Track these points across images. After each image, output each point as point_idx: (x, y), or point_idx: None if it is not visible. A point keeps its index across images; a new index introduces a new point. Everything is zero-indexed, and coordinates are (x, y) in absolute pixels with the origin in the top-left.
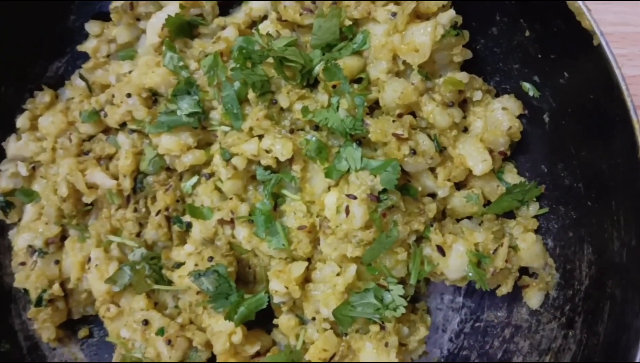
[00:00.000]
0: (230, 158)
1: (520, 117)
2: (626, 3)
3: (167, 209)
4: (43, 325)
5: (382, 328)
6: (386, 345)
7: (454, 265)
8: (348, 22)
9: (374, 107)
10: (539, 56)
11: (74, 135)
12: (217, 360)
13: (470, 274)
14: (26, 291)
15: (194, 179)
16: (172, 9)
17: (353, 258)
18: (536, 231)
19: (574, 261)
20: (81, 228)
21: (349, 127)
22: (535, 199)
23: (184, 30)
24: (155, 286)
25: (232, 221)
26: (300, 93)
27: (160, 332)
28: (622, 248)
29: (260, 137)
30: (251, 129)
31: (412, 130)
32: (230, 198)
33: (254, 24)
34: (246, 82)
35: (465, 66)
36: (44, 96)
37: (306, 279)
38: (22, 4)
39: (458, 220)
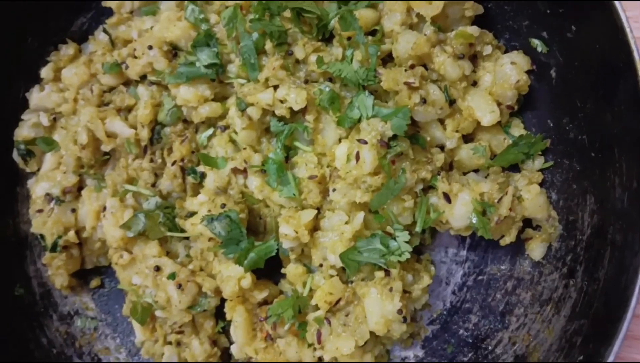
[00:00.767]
0: (246, 108)
1: (528, 73)
2: None
3: (182, 160)
4: (57, 271)
5: (387, 274)
6: (390, 290)
7: (459, 212)
8: None
9: (386, 60)
10: (548, 11)
11: (95, 86)
12: (226, 305)
13: (474, 221)
14: (42, 236)
15: (210, 131)
16: None
17: (361, 206)
18: (540, 185)
19: (576, 213)
20: (98, 178)
21: (361, 78)
22: (540, 153)
23: None
24: (169, 233)
25: (244, 171)
26: (315, 45)
27: (172, 276)
28: (624, 193)
29: (276, 88)
30: (267, 79)
31: (423, 81)
32: (244, 148)
33: None
34: (264, 33)
35: (475, 23)
36: (68, 49)
37: (315, 228)
38: None
39: (465, 174)
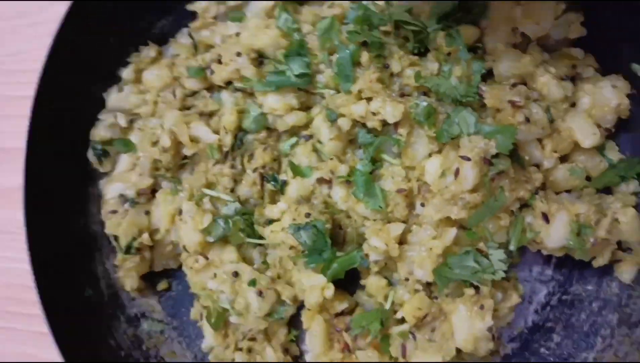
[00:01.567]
0: (336, 119)
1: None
2: None
3: (263, 167)
4: (128, 274)
5: (477, 292)
6: (482, 307)
7: (556, 233)
8: None
9: (484, 76)
10: None
11: (178, 90)
12: (304, 314)
13: (571, 243)
14: (116, 238)
15: (293, 139)
16: None
17: (451, 221)
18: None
19: None
20: (175, 181)
21: (460, 94)
22: (635, 176)
23: None
24: (248, 240)
25: (330, 181)
26: (412, 59)
27: (252, 283)
28: None
29: (369, 100)
30: (360, 91)
31: (526, 100)
32: (331, 159)
33: None
34: (361, 45)
35: (577, 45)
36: (150, 51)
37: (400, 241)
38: None
39: (557, 193)
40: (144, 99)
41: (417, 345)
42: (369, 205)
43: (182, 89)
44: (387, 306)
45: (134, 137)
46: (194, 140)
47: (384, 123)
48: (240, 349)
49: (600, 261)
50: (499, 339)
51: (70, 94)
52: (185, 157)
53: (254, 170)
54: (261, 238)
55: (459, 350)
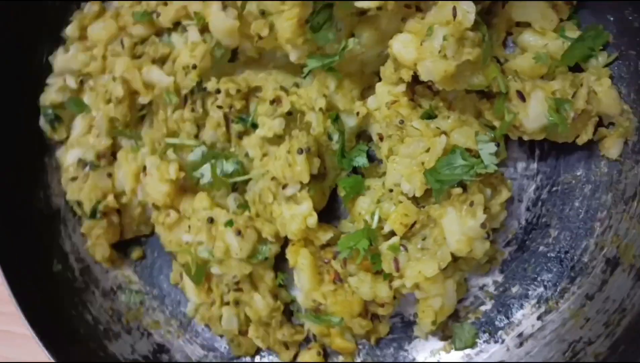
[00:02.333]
0: None
1: None
2: None
3: (229, 107)
4: (97, 241)
5: (465, 191)
6: (471, 204)
7: (534, 112)
8: None
9: None
10: None
11: (126, 39)
12: (288, 251)
13: (551, 118)
14: (80, 203)
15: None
16: None
17: (439, 131)
18: None
19: None
20: (134, 137)
21: None
22: (602, 48)
23: None
24: (238, 179)
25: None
26: None
27: (229, 223)
28: None
29: None
30: None
31: None
32: None
33: None
34: None
35: None
36: (93, 6)
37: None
38: None
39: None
40: (92, 55)
41: (410, 257)
42: None
43: (130, 38)
44: (374, 224)
45: (86, 98)
46: (148, 87)
47: None
48: (227, 303)
49: (584, 137)
50: (494, 243)
51: (15, 61)
52: (143, 108)
53: (219, 108)
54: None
55: (455, 259)
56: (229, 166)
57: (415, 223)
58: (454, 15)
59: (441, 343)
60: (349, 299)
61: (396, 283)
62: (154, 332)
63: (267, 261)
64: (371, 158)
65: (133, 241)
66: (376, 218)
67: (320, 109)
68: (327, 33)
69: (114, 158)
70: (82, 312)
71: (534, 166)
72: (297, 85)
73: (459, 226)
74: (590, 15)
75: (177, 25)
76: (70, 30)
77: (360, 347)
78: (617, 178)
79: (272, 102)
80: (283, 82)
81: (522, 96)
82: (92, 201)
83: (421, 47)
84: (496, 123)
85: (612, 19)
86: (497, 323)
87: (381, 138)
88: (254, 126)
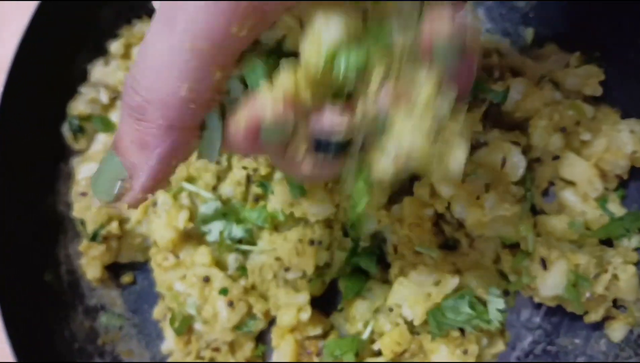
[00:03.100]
0: None
1: None
2: None
3: (254, 170)
4: (91, 262)
5: (462, 334)
6: (465, 352)
7: (553, 281)
8: None
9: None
10: None
11: None
12: (274, 332)
13: (565, 294)
14: (83, 222)
15: None
16: None
17: (455, 269)
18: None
19: None
20: None
21: None
22: (637, 231)
23: None
24: (242, 247)
25: None
26: None
27: (224, 291)
28: None
29: None
30: None
31: None
32: None
33: None
34: None
35: None
36: (143, 26)
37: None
38: None
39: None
40: None
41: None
42: None
43: None
44: (366, 335)
45: (114, 116)
46: None
47: None
48: (202, 358)
49: (592, 317)
50: None
51: (52, 61)
52: None
53: (244, 168)
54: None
55: None
56: (238, 232)
57: (405, 351)
58: (502, 165)
59: None
60: None
61: None
62: (126, 359)
63: (251, 333)
64: (380, 258)
65: (126, 264)
66: (369, 329)
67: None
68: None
69: None
70: (62, 326)
71: (537, 320)
72: None
73: None
74: (637, 190)
75: None
76: (115, 47)
77: None
78: (612, 360)
79: None
80: None
81: (544, 264)
82: (96, 224)
83: (461, 186)
84: (511, 277)
85: None
86: None
87: (395, 250)
88: (273, 193)
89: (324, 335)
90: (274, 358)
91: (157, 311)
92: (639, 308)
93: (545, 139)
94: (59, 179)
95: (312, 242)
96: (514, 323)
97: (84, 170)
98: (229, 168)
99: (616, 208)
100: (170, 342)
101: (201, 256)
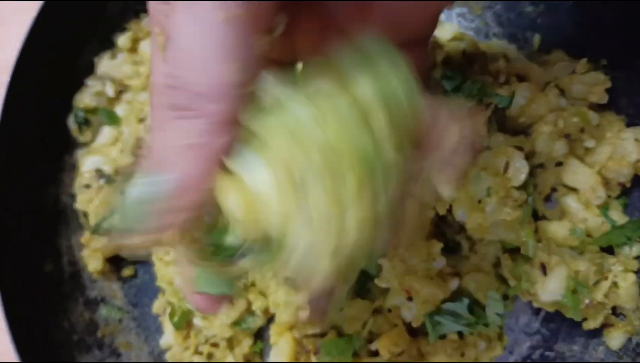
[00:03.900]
0: None
1: None
2: None
3: None
4: (93, 254)
5: (461, 337)
6: (462, 355)
7: (552, 287)
8: None
9: None
10: None
11: None
12: (272, 329)
13: (564, 300)
14: (86, 214)
15: None
16: None
17: (453, 272)
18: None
19: None
20: None
21: None
22: (639, 239)
23: None
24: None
25: None
26: None
27: None
28: None
29: None
30: None
31: None
32: None
33: None
34: None
35: None
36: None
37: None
38: None
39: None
40: (138, 71)
41: None
42: None
43: None
44: (364, 334)
45: (120, 109)
46: None
47: None
48: (200, 353)
49: (591, 324)
50: None
51: (59, 53)
52: None
53: None
54: None
55: None
56: None
57: (403, 351)
58: (505, 170)
59: None
60: None
61: None
62: (124, 352)
63: (250, 329)
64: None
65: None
66: (367, 329)
67: None
68: None
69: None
70: (61, 318)
71: (536, 325)
72: None
73: None
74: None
75: None
76: (122, 41)
77: None
78: None
79: None
80: None
81: (544, 270)
82: (99, 216)
83: (462, 189)
84: (511, 282)
85: None
86: None
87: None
88: None
89: (323, 334)
90: (272, 355)
91: (157, 306)
92: (638, 317)
93: (549, 145)
94: (63, 171)
95: None
96: (513, 328)
97: (88, 162)
98: None
99: (618, 216)
100: (169, 336)
101: None
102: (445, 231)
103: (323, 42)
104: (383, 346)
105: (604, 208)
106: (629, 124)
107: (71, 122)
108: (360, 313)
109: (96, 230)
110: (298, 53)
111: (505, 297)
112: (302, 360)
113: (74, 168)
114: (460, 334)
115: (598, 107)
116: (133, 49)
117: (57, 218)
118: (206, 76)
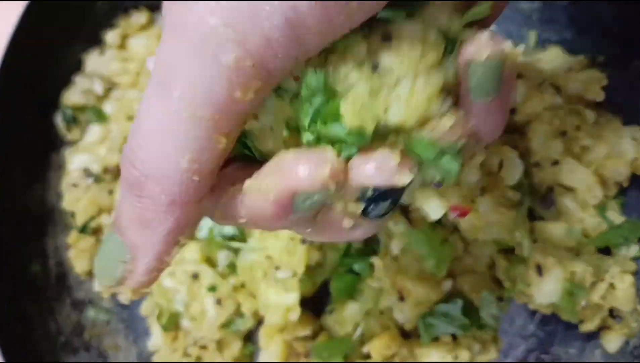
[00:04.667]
0: None
1: None
2: None
3: None
4: (80, 254)
5: (454, 340)
6: (455, 357)
7: (547, 288)
8: None
9: None
10: None
11: None
12: (262, 332)
13: (560, 302)
14: (73, 214)
15: None
16: None
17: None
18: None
19: None
20: None
21: None
22: (636, 240)
23: None
24: (233, 244)
25: None
26: None
27: (212, 289)
28: None
29: None
30: None
31: None
32: None
33: None
34: None
35: None
36: (140, 17)
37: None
38: None
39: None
40: (126, 68)
41: None
42: None
43: None
44: (355, 336)
45: (109, 107)
46: None
47: None
48: (189, 355)
49: (588, 326)
50: None
51: (46, 50)
52: None
53: None
54: (240, 240)
55: None
56: (228, 229)
57: (395, 354)
58: (499, 168)
59: None
60: None
61: None
62: (112, 354)
63: (239, 332)
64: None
65: None
66: (359, 331)
67: None
68: None
69: (120, 175)
70: (47, 319)
71: (531, 327)
72: None
73: None
74: (637, 199)
75: None
76: (111, 37)
77: None
78: None
79: None
80: None
81: (539, 271)
82: (86, 216)
83: (456, 186)
84: (506, 283)
85: None
86: None
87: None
88: None
89: (314, 336)
90: (262, 358)
91: (145, 307)
92: (636, 319)
93: (545, 144)
94: (50, 170)
95: (303, 241)
96: (508, 331)
97: (75, 161)
98: None
99: (615, 216)
100: (157, 338)
101: (191, 252)
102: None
103: None
104: (375, 348)
105: (601, 207)
106: (626, 123)
107: (59, 120)
108: (351, 315)
109: (83, 229)
110: None
111: (500, 299)
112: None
113: (61, 166)
114: (454, 336)
115: (595, 106)
116: (122, 45)
117: (43, 217)
118: (157, 160)
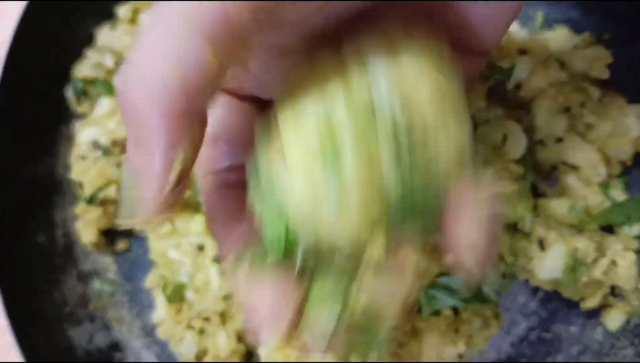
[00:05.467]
0: None
1: None
2: None
3: None
4: (87, 225)
5: (456, 314)
6: (456, 330)
7: (549, 264)
8: None
9: None
10: None
11: None
12: None
13: (562, 278)
14: (81, 185)
15: None
16: None
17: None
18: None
19: None
20: None
21: None
22: (639, 218)
23: None
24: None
25: None
26: None
27: (217, 260)
28: None
29: None
30: None
31: None
32: None
33: None
34: None
35: None
36: None
37: None
38: None
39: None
40: None
41: (380, 358)
42: None
43: None
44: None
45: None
46: None
47: None
48: (192, 327)
49: (589, 303)
50: None
51: (58, 24)
52: None
53: None
54: None
55: None
56: None
57: (396, 327)
58: (503, 142)
59: None
60: None
61: None
62: (116, 326)
63: None
64: None
65: (122, 231)
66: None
67: None
68: None
69: None
70: (52, 290)
71: (533, 305)
72: None
73: (437, 347)
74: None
75: None
76: (123, 12)
77: None
78: (607, 351)
79: None
80: None
81: (542, 246)
82: (94, 187)
83: None
84: (508, 259)
85: None
86: None
87: None
88: None
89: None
90: None
91: (150, 280)
92: (637, 297)
93: (549, 120)
94: (59, 142)
95: None
96: (510, 308)
97: (85, 133)
98: None
99: (618, 194)
100: (161, 311)
101: (197, 224)
102: None
103: None
104: None
105: (604, 186)
106: (630, 102)
107: (69, 93)
108: None
109: (91, 200)
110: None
111: (502, 276)
112: (293, 337)
113: (70, 139)
114: (456, 311)
115: (600, 84)
116: (133, 20)
117: (51, 189)
118: (146, 74)
